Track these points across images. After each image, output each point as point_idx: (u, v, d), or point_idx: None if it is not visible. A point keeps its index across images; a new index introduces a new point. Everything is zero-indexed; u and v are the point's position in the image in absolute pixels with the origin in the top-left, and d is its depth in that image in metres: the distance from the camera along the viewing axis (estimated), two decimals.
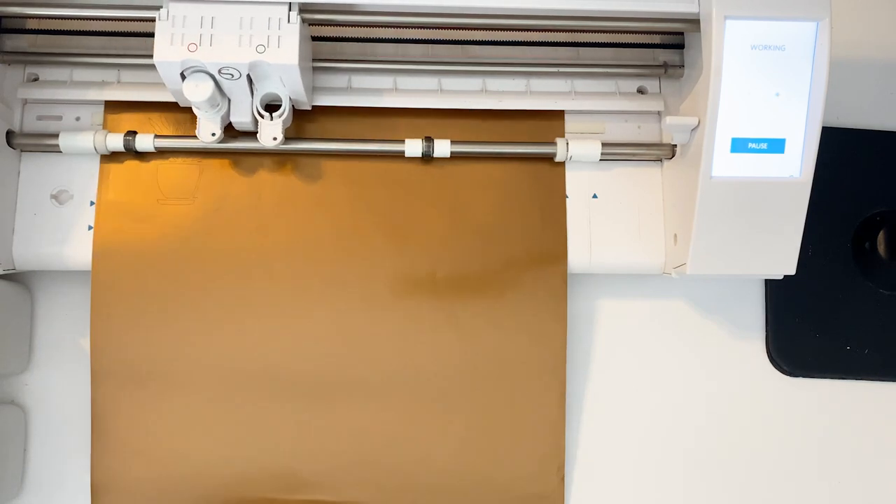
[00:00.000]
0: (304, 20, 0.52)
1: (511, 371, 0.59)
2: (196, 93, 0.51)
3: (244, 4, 0.50)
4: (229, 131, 0.56)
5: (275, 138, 0.54)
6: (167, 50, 0.50)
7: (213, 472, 0.58)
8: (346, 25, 0.59)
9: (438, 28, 0.59)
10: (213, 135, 0.55)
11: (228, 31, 0.50)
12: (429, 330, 0.59)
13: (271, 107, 0.55)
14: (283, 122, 0.54)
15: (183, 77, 0.51)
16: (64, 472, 0.59)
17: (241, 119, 0.55)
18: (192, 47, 0.50)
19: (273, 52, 0.50)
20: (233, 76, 0.51)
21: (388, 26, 0.59)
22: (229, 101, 0.54)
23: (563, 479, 0.59)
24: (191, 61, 0.50)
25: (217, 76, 0.51)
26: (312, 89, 0.57)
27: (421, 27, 0.59)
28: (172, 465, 0.57)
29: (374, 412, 0.58)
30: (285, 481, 0.58)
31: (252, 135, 0.56)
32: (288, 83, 0.53)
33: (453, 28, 0.59)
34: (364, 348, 0.58)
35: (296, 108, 0.57)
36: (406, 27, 0.59)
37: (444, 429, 0.58)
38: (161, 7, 0.50)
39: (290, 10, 0.51)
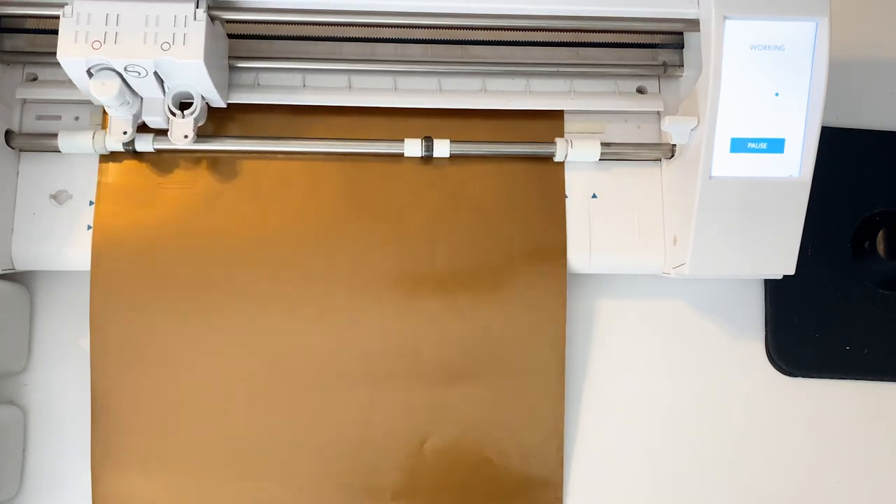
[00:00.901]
0: (212, 17, 0.51)
1: (512, 356, 0.59)
2: (102, 91, 0.50)
3: (150, 2, 0.50)
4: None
5: (185, 136, 0.54)
6: (71, 47, 0.49)
7: (214, 466, 0.58)
8: (256, 23, 0.58)
9: (435, 28, 0.59)
10: (125, 133, 0.54)
11: (134, 28, 0.50)
12: (430, 325, 0.59)
13: (187, 104, 0.54)
14: (195, 119, 0.54)
15: (91, 75, 0.51)
16: (63, 472, 0.59)
17: (153, 117, 0.54)
18: (97, 45, 0.49)
19: (178, 49, 0.50)
20: (139, 74, 0.51)
21: (303, 24, 0.58)
22: (142, 99, 0.54)
23: (562, 460, 0.59)
24: (95, 59, 0.50)
25: (124, 74, 0.51)
26: (228, 86, 0.57)
27: (419, 27, 0.59)
28: (174, 462, 0.57)
29: (374, 398, 0.58)
30: (286, 464, 0.58)
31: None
32: (197, 81, 0.52)
33: (453, 28, 0.59)
34: (362, 341, 0.58)
35: (210, 105, 0.56)
36: (406, 27, 0.59)
37: (445, 412, 0.59)
38: (66, 4, 0.50)
39: (196, 6, 0.50)
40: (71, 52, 0.49)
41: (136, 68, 0.50)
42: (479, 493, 0.59)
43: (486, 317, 0.59)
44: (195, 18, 0.50)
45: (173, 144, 0.55)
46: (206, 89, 0.53)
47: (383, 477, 0.58)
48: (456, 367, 0.59)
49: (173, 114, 0.54)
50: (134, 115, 0.54)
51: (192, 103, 0.54)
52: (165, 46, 0.49)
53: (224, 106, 0.57)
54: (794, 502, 0.63)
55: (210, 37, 0.51)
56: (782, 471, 0.63)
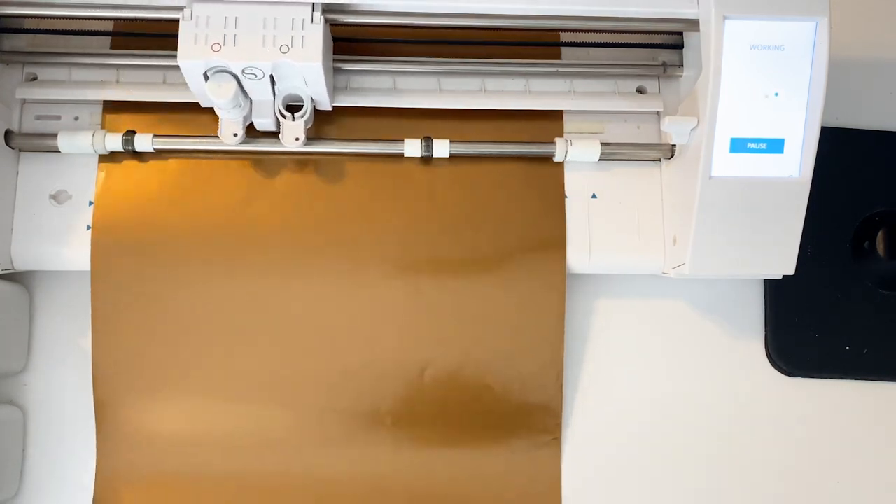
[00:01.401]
0: (326, 20, 0.52)
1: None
2: (219, 93, 0.51)
3: (267, 5, 0.50)
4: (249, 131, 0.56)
5: (297, 138, 0.55)
6: (191, 50, 0.50)
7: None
8: (367, 26, 0.58)
9: (439, 29, 0.59)
10: (236, 135, 0.55)
11: (252, 31, 0.50)
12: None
13: (291, 107, 0.55)
14: (305, 122, 0.55)
15: (206, 77, 0.51)
16: (63, 472, 0.59)
17: (263, 119, 0.55)
18: (216, 47, 0.50)
19: (297, 52, 0.50)
20: (256, 76, 0.51)
21: (406, 27, 0.59)
22: (251, 101, 0.54)
23: (562, 386, 0.60)
24: (215, 62, 0.50)
25: (240, 76, 0.51)
26: (334, 89, 0.57)
27: (419, 27, 0.59)
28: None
29: (375, 326, 0.59)
30: (288, 397, 0.58)
31: (273, 135, 0.56)
32: (311, 83, 0.53)
33: (453, 29, 0.59)
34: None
35: (317, 108, 0.57)
36: (405, 27, 0.59)
37: (447, 339, 0.59)
38: (184, 7, 0.50)
39: (313, 10, 0.51)
40: (191, 55, 0.50)
41: (254, 70, 0.51)
42: (479, 419, 0.59)
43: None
44: (312, 21, 0.50)
45: (285, 146, 0.55)
46: (318, 92, 0.54)
47: (384, 403, 0.59)
48: (459, 296, 0.59)
49: (283, 116, 0.54)
50: (244, 117, 0.55)
51: (299, 106, 0.54)
52: (284, 49, 0.50)
53: (330, 108, 0.57)
54: (793, 502, 0.63)
55: (326, 40, 0.51)
56: (782, 470, 0.63)
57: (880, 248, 0.62)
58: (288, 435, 0.59)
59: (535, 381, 0.59)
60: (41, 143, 0.57)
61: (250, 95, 0.54)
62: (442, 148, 0.58)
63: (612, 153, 0.59)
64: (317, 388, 0.59)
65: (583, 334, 0.63)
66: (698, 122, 0.53)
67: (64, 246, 0.57)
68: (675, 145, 0.58)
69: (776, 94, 0.51)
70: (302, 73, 0.52)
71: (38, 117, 0.58)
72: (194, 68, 0.51)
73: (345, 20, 0.53)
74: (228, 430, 0.58)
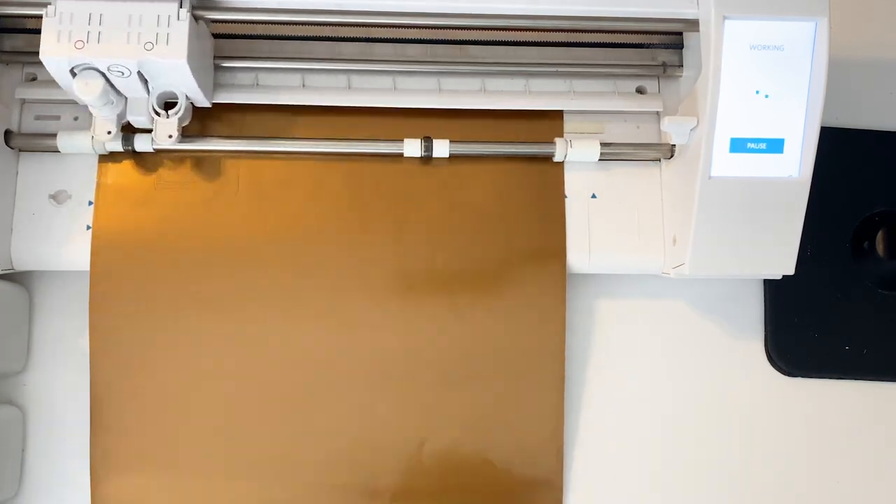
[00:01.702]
0: (196, 17, 0.51)
1: (511, 358, 0.59)
2: (86, 91, 0.50)
3: (133, 1, 0.50)
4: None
5: (170, 136, 0.54)
6: (54, 47, 0.49)
7: (214, 464, 0.58)
8: (241, 23, 0.58)
9: (435, 28, 0.59)
10: (109, 133, 0.54)
11: (117, 28, 0.49)
12: (429, 324, 0.59)
13: (169, 104, 0.54)
14: (180, 119, 0.54)
15: (74, 75, 0.50)
16: (62, 472, 0.59)
17: (137, 117, 0.54)
18: (80, 44, 0.49)
19: (162, 48, 0.49)
20: (123, 74, 0.51)
21: (295, 24, 0.58)
22: (126, 99, 0.54)
23: (562, 462, 0.59)
24: (78, 59, 0.49)
25: (107, 74, 0.51)
26: (214, 86, 0.57)
27: (418, 27, 0.59)
28: (173, 463, 0.57)
29: (373, 399, 0.58)
30: (285, 467, 0.58)
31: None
32: (181, 80, 0.52)
33: (452, 28, 0.59)
34: (361, 340, 0.58)
35: (195, 105, 0.56)
36: (405, 27, 0.59)
37: (445, 414, 0.58)
38: (49, 3, 0.50)
39: (180, 6, 0.50)
40: (54, 52, 0.49)
41: (120, 68, 0.50)
42: (479, 495, 0.59)
43: (486, 316, 0.59)
44: (178, 18, 0.50)
45: (159, 144, 0.55)
46: (190, 89, 0.53)
47: (382, 479, 0.58)
48: (455, 369, 0.59)
49: (157, 114, 0.54)
50: (118, 115, 0.54)
51: (176, 103, 0.54)
52: (149, 46, 0.49)
53: (209, 106, 0.56)
54: (792, 502, 0.63)
55: (194, 37, 0.51)
56: (781, 471, 0.63)
57: (880, 248, 0.62)
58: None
59: (535, 455, 0.59)
60: (41, 143, 0.57)
61: (124, 93, 0.53)
62: (442, 148, 0.58)
63: (611, 153, 0.59)
64: (312, 463, 0.58)
65: (583, 334, 0.63)
66: (698, 122, 0.53)
67: (63, 246, 0.57)
68: (674, 145, 0.58)
69: (776, 94, 0.51)
70: (168, 70, 0.51)
71: (38, 117, 0.58)
72: (57, 65, 0.50)
73: (212, 16, 0.52)
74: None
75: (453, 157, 0.59)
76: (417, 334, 0.58)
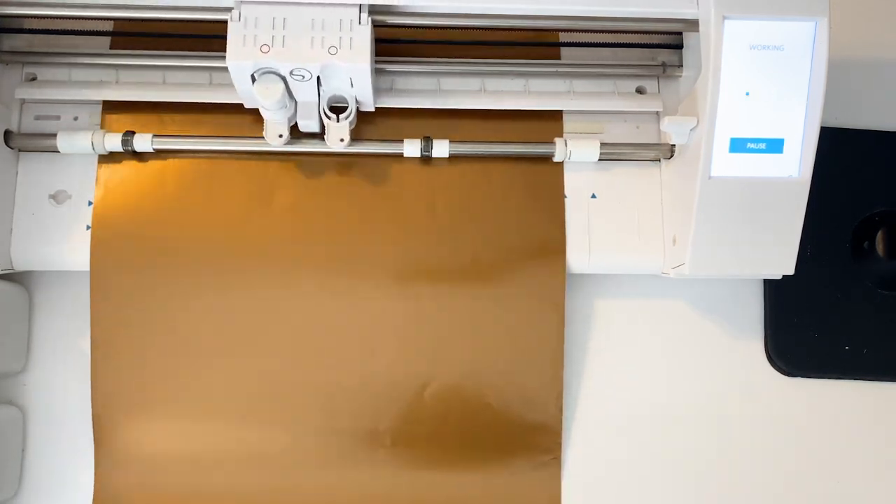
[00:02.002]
0: (375, 23, 0.52)
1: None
2: (267, 95, 0.51)
3: (316, 6, 0.50)
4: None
5: (342, 139, 0.55)
6: (240, 51, 0.49)
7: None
8: (411, 28, 0.59)
9: (434, 28, 0.59)
10: (280, 136, 0.55)
11: (300, 32, 0.50)
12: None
13: (334, 108, 0.55)
14: (350, 123, 0.55)
15: (252, 79, 0.51)
16: (62, 472, 0.59)
17: (307, 121, 0.55)
18: (265, 49, 0.49)
19: (345, 53, 0.50)
20: (304, 77, 0.51)
21: (437, 28, 0.59)
22: (296, 102, 0.54)
23: (561, 406, 0.60)
24: (264, 63, 0.50)
25: (288, 78, 0.51)
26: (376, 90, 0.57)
27: (418, 27, 0.59)
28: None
29: (375, 344, 0.58)
30: (286, 411, 0.58)
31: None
32: (358, 84, 0.53)
33: (452, 28, 0.59)
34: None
35: (360, 109, 0.57)
36: (404, 27, 0.59)
37: (446, 358, 0.59)
38: (232, 8, 0.50)
39: (360, 11, 0.51)
40: (240, 56, 0.49)
41: (302, 72, 0.51)
42: (479, 438, 0.59)
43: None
44: (360, 23, 0.50)
45: (331, 147, 0.55)
46: (364, 93, 0.54)
47: (383, 422, 0.59)
48: (457, 323, 0.59)
49: (328, 117, 0.54)
50: (289, 119, 0.55)
51: (343, 107, 0.54)
52: (333, 50, 0.50)
53: (373, 110, 0.57)
54: (792, 502, 0.63)
55: (371, 41, 0.51)
56: (781, 470, 0.63)
57: (880, 248, 0.62)
58: (285, 455, 0.58)
59: (535, 399, 0.59)
60: (41, 143, 0.57)
61: (295, 96, 0.54)
62: (441, 148, 0.58)
63: (611, 153, 0.59)
64: (314, 407, 0.58)
65: (583, 334, 0.63)
66: (698, 122, 0.53)
67: (63, 246, 0.57)
68: (674, 145, 0.58)
69: (775, 95, 0.51)
70: (349, 75, 0.52)
71: (38, 117, 0.58)
72: (243, 69, 0.50)
73: (390, 21, 0.53)
74: (225, 448, 0.58)
75: (453, 158, 0.59)
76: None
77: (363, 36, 0.50)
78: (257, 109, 0.58)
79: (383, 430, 0.59)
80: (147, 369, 0.57)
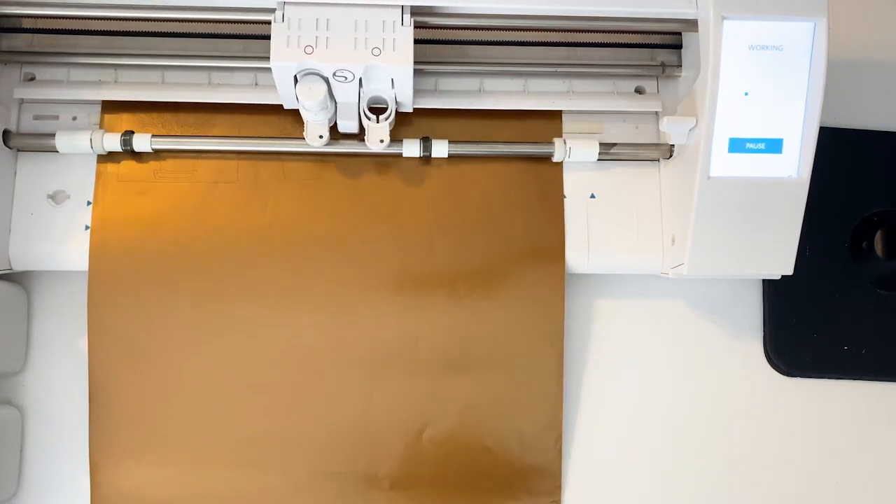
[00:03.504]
0: (417, 24, 0.52)
1: (511, 354, 0.59)
2: (310, 95, 0.51)
3: (358, 7, 0.50)
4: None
5: (381, 140, 0.55)
6: (284, 52, 0.49)
7: (213, 452, 0.58)
8: (446, 28, 0.59)
9: (433, 28, 0.59)
10: (321, 137, 0.55)
11: (344, 33, 0.50)
12: (427, 328, 0.59)
13: (373, 109, 0.55)
14: (389, 124, 0.55)
15: (295, 80, 0.51)
16: (60, 472, 0.59)
17: (347, 122, 0.55)
18: (309, 50, 0.49)
19: (388, 54, 0.50)
20: (346, 79, 0.51)
21: (484, 29, 0.59)
22: (336, 103, 0.54)
23: (560, 449, 0.59)
24: (308, 64, 0.50)
25: (330, 79, 0.51)
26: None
27: (417, 27, 0.59)
28: (172, 460, 0.57)
29: (373, 387, 0.58)
30: (285, 454, 0.58)
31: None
32: (399, 86, 0.53)
33: (451, 28, 0.59)
34: (361, 331, 0.58)
35: (399, 110, 0.57)
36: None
37: (444, 401, 0.59)
38: (275, 9, 0.50)
39: (403, 12, 0.50)
40: (284, 57, 0.49)
41: (345, 73, 0.50)
42: (478, 481, 0.59)
43: (486, 317, 0.59)
44: (403, 24, 0.50)
45: (370, 148, 0.55)
46: (406, 95, 0.54)
47: (381, 466, 0.58)
48: (454, 358, 0.59)
49: (368, 118, 0.54)
50: (329, 119, 0.54)
51: (382, 108, 0.54)
52: (376, 52, 0.50)
53: (411, 111, 0.57)
54: (792, 502, 0.63)
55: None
56: (780, 470, 0.63)
57: (878, 248, 0.62)
58: (281, 498, 0.58)
59: (534, 442, 0.59)
60: (39, 142, 0.57)
61: (336, 98, 0.54)
62: (441, 148, 0.58)
63: (610, 153, 0.59)
64: (311, 449, 0.58)
65: (582, 334, 0.63)
66: (697, 122, 0.53)
67: (62, 246, 0.57)
68: (673, 145, 0.58)
69: (774, 95, 0.51)
70: (391, 76, 0.52)
71: (37, 117, 0.58)
72: (286, 70, 0.50)
73: (432, 22, 0.53)
74: (219, 491, 0.58)
75: (452, 158, 0.59)
76: (417, 326, 0.58)
77: (406, 37, 0.50)
78: (256, 108, 0.58)
79: (382, 474, 0.58)
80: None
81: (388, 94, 0.54)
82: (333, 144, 0.56)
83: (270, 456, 0.58)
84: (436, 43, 0.60)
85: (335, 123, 0.56)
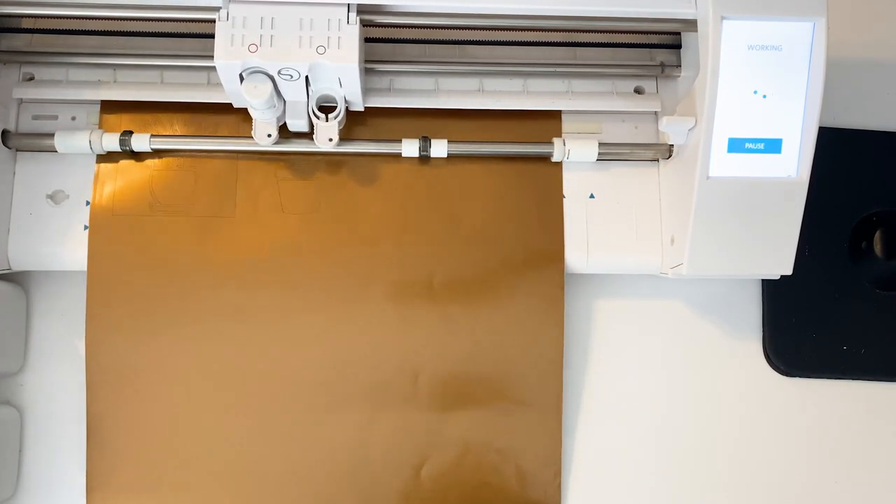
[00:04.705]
0: (361, 21, 0.51)
1: (508, 372, 0.59)
2: (255, 94, 0.51)
3: (304, 5, 0.50)
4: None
5: (330, 139, 0.55)
6: (228, 51, 0.49)
7: (208, 472, 0.57)
8: (399, 27, 0.59)
9: (432, 28, 0.59)
10: (269, 136, 0.55)
11: (288, 32, 0.50)
12: (425, 330, 0.58)
13: (324, 108, 0.55)
14: (339, 122, 0.55)
15: (241, 78, 0.51)
16: (59, 472, 0.59)
17: (296, 120, 0.55)
18: (253, 48, 0.49)
19: (333, 52, 0.50)
20: (292, 77, 0.51)
21: (434, 28, 0.59)
22: (284, 101, 0.54)
23: (559, 486, 0.59)
24: (251, 63, 0.50)
25: (276, 77, 0.51)
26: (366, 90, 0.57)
27: (416, 27, 0.59)
28: (167, 465, 0.57)
29: (370, 422, 0.58)
30: (281, 488, 0.57)
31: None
32: (346, 84, 0.53)
33: (450, 28, 0.59)
34: (360, 349, 0.58)
35: (349, 109, 0.57)
36: (403, 27, 0.59)
37: (442, 432, 0.58)
38: (220, 7, 0.50)
39: (349, 10, 0.50)
40: (228, 56, 0.49)
41: (290, 71, 0.51)
42: None
43: (485, 319, 0.59)
44: (348, 22, 0.50)
45: (319, 147, 0.55)
46: (353, 93, 0.54)
47: (380, 501, 0.58)
48: (453, 388, 0.58)
49: (317, 117, 0.54)
50: (277, 118, 0.55)
51: (332, 107, 0.54)
52: (321, 50, 0.50)
53: (362, 109, 0.57)
54: (791, 502, 0.63)
55: (360, 41, 0.51)
56: (780, 470, 0.63)
57: (878, 248, 0.62)
58: None
59: (533, 478, 0.59)
60: (38, 142, 0.56)
61: (284, 96, 0.54)
62: (440, 148, 0.58)
63: (610, 153, 0.59)
64: (308, 484, 0.57)
65: (581, 335, 0.63)
66: (696, 122, 0.53)
67: (61, 246, 0.57)
68: (672, 145, 0.58)
69: (774, 95, 0.51)
70: (337, 74, 0.52)
71: (35, 117, 0.58)
72: (231, 69, 0.50)
73: (379, 21, 0.53)
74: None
75: (451, 158, 0.59)
76: (414, 344, 0.58)
77: (351, 35, 0.50)
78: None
79: None
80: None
81: (337, 93, 0.54)
82: (283, 143, 0.56)
83: (265, 491, 0.57)
84: (435, 42, 0.59)
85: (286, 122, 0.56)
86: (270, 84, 0.51)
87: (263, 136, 0.55)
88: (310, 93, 0.54)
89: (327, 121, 0.54)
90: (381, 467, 0.58)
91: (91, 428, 0.57)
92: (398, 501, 0.58)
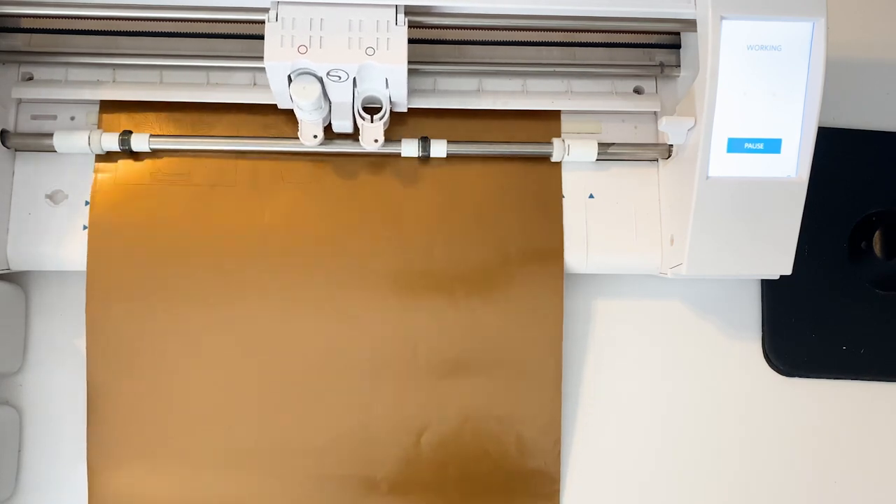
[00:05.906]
0: (411, 24, 0.52)
1: (509, 355, 0.59)
2: (304, 95, 0.51)
3: (352, 7, 0.50)
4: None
5: (376, 140, 0.55)
6: (278, 52, 0.49)
7: (211, 456, 0.57)
8: (444, 28, 0.59)
9: (432, 28, 0.59)
10: (315, 137, 0.55)
11: (338, 33, 0.50)
12: (426, 330, 0.58)
13: (367, 109, 0.55)
14: (384, 123, 0.55)
15: (289, 79, 0.51)
16: (58, 472, 0.59)
17: (341, 122, 0.55)
18: (303, 49, 0.49)
19: (382, 54, 0.50)
20: (340, 78, 0.51)
21: (481, 28, 0.59)
22: (330, 103, 0.54)
23: (559, 452, 0.59)
24: (301, 64, 0.50)
25: (325, 78, 0.51)
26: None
27: (416, 27, 0.59)
28: (170, 460, 0.57)
29: (371, 391, 0.58)
30: (282, 458, 0.58)
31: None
32: (393, 85, 0.53)
33: (450, 28, 0.59)
34: (361, 319, 0.58)
35: (393, 110, 0.57)
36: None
37: (442, 400, 0.59)
38: (269, 8, 0.50)
39: (397, 12, 0.50)
40: (278, 57, 0.49)
41: (339, 73, 0.51)
42: (476, 485, 0.59)
43: (484, 317, 0.59)
44: (397, 23, 0.50)
45: (364, 147, 0.55)
46: (400, 94, 0.54)
47: (379, 469, 0.58)
48: (453, 361, 0.58)
49: (362, 118, 0.54)
50: (323, 119, 0.54)
51: (377, 108, 0.54)
52: (370, 51, 0.50)
53: (406, 111, 0.57)
54: (791, 502, 0.63)
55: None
56: (779, 470, 0.63)
57: (877, 248, 0.62)
58: (279, 502, 0.58)
59: (533, 446, 0.59)
60: (37, 142, 0.56)
61: (330, 97, 0.54)
62: (439, 148, 0.58)
63: (609, 153, 0.59)
64: (309, 454, 0.58)
65: (580, 335, 0.63)
66: (695, 122, 0.53)
67: (60, 246, 0.57)
68: (672, 145, 0.58)
69: (773, 95, 0.51)
70: (385, 75, 0.52)
71: (35, 117, 0.58)
72: (280, 70, 0.50)
73: (426, 22, 0.53)
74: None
75: (451, 158, 0.59)
76: (415, 328, 0.58)
77: (400, 36, 0.50)
78: (255, 108, 0.58)
79: (380, 477, 0.58)
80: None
81: (382, 94, 0.54)
82: (328, 144, 0.56)
83: (268, 460, 0.58)
84: (434, 43, 0.60)
85: (330, 123, 0.56)
86: (319, 85, 0.51)
87: (309, 137, 0.55)
88: (355, 94, 0.53)
89: (372, 122, 0.54)
90: (381, 435, 0.58)
91: (92, 421, 0.57)
92: (399, 469, 0.58)
